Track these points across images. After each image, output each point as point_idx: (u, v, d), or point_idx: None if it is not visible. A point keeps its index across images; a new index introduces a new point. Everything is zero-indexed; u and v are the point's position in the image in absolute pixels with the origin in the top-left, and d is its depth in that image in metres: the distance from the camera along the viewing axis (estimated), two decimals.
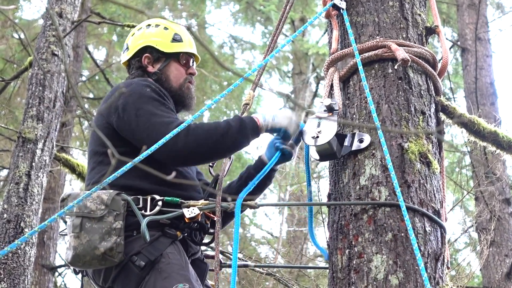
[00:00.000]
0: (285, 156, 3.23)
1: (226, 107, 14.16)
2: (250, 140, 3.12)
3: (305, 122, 3.15)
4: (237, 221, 2.92)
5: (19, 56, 10.80)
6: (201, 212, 3.01)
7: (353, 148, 2.98)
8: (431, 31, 3.35)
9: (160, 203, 3.01)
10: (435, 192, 2.93)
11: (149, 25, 3.45)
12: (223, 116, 13.89)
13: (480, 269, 9.07)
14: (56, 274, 10.62)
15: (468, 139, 5.25)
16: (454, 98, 11.94)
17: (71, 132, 11.34)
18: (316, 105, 3.15)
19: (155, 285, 2.86)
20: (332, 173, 3.10)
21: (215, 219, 2.98)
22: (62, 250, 11.79)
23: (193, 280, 2.90)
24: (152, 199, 3.02)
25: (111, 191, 2.95)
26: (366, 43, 3.17)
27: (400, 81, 3.10)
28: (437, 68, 3.27)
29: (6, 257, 5.56)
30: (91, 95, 12.50)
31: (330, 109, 3.04)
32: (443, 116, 3.52)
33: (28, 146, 6.06)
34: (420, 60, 3.16)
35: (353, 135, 3.01)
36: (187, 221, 3.00)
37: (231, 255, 2.97)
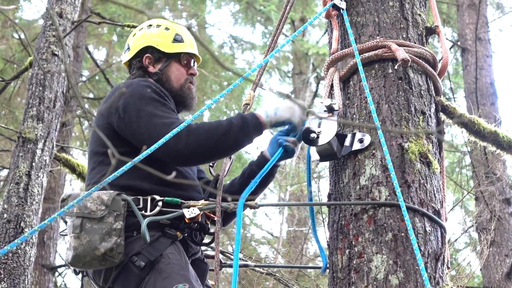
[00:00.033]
0: (288, 153, 3.22)
1: (226, 107, 14.16)
2: (253, 138, 3.11)
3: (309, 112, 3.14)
4: (239, 221, 2.91)
5: (19, 56, 10.80)
6: (201, 212, 3.01)
7: (353, 148, 2.98)
8: (431, 31, 3.35)
9: (160, 203, 3.01)
10: (435, 192, 2.93)
11: (150, 25, 3.45)
12: (223, 116, 13.88)
13: (480, 269, 9.08)
14: (56, 274, 10.62)
15: (468, 139, 5.25)
16: (454, 98, 11.94)
17: (71, 132, 11.34)
18: (316, 105, 3.14)
19: (155, 285, 2.86)
20: (332, 173, 3.10)
21: (215, 219, 2.98)
22: (62, 250, 11.79)
23: (193, 280, 2.90)
24: (152, 200, 3.02)
25: (111, 191, 2.95)
26: (366, 43, 3.17)
27: (400, 81, 3.10)
28: (437, 68, 3.27)
29: (6, 257, 5.57)
30: (91, 95, 12.50)
31: (330, 109, 3.04)
32: (443, 116, 3.52)
33: (28, 146, 6.06)
34: (420, 60, 3.16)
35: (353, 135, 3.01)
36: (187, 221, 3.00)
37: (231, 255, 2.97)
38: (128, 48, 3.45)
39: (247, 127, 3.05)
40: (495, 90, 10.34)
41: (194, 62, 3.47)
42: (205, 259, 3.27)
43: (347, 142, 3.00)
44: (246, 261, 7.20)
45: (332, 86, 3.19)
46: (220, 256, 3.07)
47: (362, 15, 3.29)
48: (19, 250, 5.66)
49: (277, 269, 7.93)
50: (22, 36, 10.75)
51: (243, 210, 3.06)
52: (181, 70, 3.40)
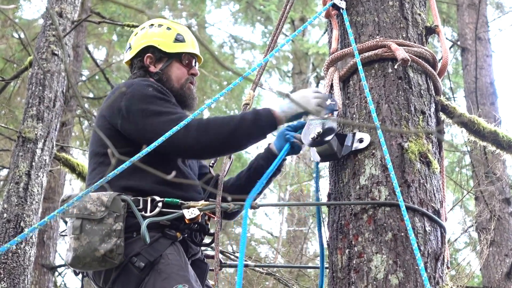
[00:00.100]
0: (294, 149, 3.22)
1: (226, 107, 14.16)
2: (266, 133, 3.08)
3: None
4: (244, 221, 2.88)
5: (19, 55, 10.80)
6: (201, 213, 3.00)
7: (353, 148, 2.98)
8: (431, 30, 3.35)
9: (160, 204, 3.00)
10: (435, 191, 2.93)
11: (152, 24, 3.44)
12: None
13: (480, 269, 9.08)
14: (56, 273, 10.62)
15: (468, 139, 5.26)
16: (454, 97, 11.95)
17: (71, 132, 11.34)
18: None
19: (154, 285, 2.85)
20: (332, 173, 3.10)
21: (215, 219, 2.97)
22: (62, 250, 11.79)
23: (192, 280, 2.89)
24: (152, 200, 3.01)
25: (111, 192, 2.94)
26: (366, 43, 3.17)
27: (400, 81, 3.10)
28: (437, 68, 3.27)
29: (6, 257, 5.57)
30: (91, 95, 12.50)
31: (330, 109, 3.04)
32: (443, 116, 3.52)
33: (28, 145, 6.07)
34: (420, 60, 3.16)
35: (353, 135, 3.01)
36: (187, 222, 3.00)
37: (231, 254, 2.97)
38: (130, 48, 3.45)
39: (260, 122, 3.02)
40: (495, 89, 10.35)
41: (195, 62, 3.46)
42: (205, 259, 3.27)
43: (347, 142, 3.00)
44: (246, 261, 7.20)
45: (332, 85, 3.18)
46: (220, 256, 3.06)
47: (362, 15, 3.29)
48: (19, 250, 5.66)
49: (277, 269, 7.94)
50: (22, 35, 10.75)
51: (241, 212, 3.06)
52: (182, 70, 3.39)
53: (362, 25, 3.27)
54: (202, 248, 3.26)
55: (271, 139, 3.39)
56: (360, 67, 3.05)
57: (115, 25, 10.85)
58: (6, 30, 11.41)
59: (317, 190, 3.18)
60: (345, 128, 3.11)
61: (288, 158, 5.04)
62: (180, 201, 3.02)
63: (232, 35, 15.89)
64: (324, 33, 15.63)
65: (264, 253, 13.05)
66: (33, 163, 5.99)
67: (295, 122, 3.22)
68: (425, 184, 2.90)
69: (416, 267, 2.66)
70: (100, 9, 11.85)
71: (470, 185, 9.78)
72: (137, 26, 7.42)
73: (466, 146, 8.95)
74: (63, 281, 11.85)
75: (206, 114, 13.92)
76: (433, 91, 3.21)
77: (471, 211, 11.59)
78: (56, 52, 6.54)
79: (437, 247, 2.81)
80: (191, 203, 3.02)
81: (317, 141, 2.99)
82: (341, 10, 3.32)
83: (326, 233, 3.06)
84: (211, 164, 3.46)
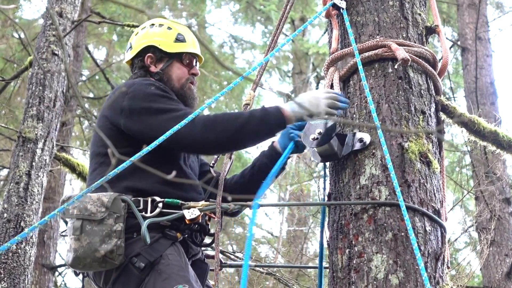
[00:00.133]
0: (298, 148, 3.21)
1: (226, 107, 14.16)
2: (275, 132, 3.07)
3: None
4: (251, 222, 2.87)
5: (19, 55, 10.80)
6: (202, 213, 3.00)
7: (354, 148, 2.98)
8: (431, 30, 3.35)
9: (160, 205, 2.99)
10: (435, 191, 2.93)
11: (152, 24, 3.43)
12: None
13: (480, 269, 9.08)
14: (56, 273, 10.62)
15: (468, 139, 5.26)
16: (454, 97, 11.94)
17: (71, 132, 11.34)
18: None
19: (154, 286, 2.85)
20: (332, 173, 3.10)
21: (215, 219, 2.97)
22: (62, 250, 11.80)
23: (192, 281, 2.89)
24: (153, 201, 3.00)
25: (111, 193, 2.93)
26: (366, 43, 3.17)
27: (400, 81, 3.10)
28: (437, 68, 3.27)
29: (6, 257, 5.57)
30: (91, 95, 12.50)
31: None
32: (443, 116, 3.52)
33: (28, 145, 6.07)
34: (420, 60, 3.16)
35: (354, 134, 3.00)
36: (187, 222, 2.99)
37: (232, 254, 2.96)
38: (131, 47, 3.44)
39: (269, 120, 3.00)
40: (495, 89, 10.35)
41: (196, 62, 3.45)
42: (206, 259, 3.27)
43: (347, 142, 3.00)
44: None
45: (332, 85, 3.18)
46: (220, 255, 3.06)
47: (362, 15, 3.29)
48: (19, 250, 5.66)
49: (277, 269, 7.93)
50: (22, 35, 10.75)
51: (243, 211, 3.06)
52: (183, 70, 3.38)
53: (362, 25, 3.27)
54: (203, 248, 3.26)
55: (275, 137, 3.38)
56: (360, 67, 3.05)
57: (115, 25, 10.85)
58: (6, 30, 11.42)
59: (324, 189, 3.16)
60: (345, 128, 3.11)
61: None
62: (180, 202, 3.01)
63: (232, 35, 15.90)
64: (324, 33, 15.63)
65: (264, 253, 13.05)
66: (33, 163, 5.99)
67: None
68: (425, 184, 2.90)
69: (416, 267, 2.66)
70: (100, 9, 11.85)
71: (470, 185, 9.78)
72: (137, 26, 7.42)
73: (466, 146, 8.95)
74: (63, 281, 11.86)
75: (206, 114, 13.92)
76: (433, 91, 3.21)
77: (471, 211, 11.59)
78: (56, 52, 6.54)
79: (437, 247, 2.81)
80: (192, 203, 3.01)
81: (317, 141, 2.99)
82: (341, 10, 3.32)
83: (326, 233, 3.06)
84: (211, 164, 3.45)
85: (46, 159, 6.13)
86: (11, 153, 6.57)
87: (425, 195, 2.88)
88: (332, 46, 3.32)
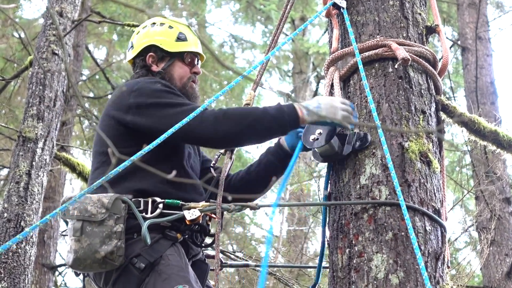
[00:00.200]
0: (306, 147, 3.21)
1: (226, 106, 14.17)
2: (287, 131, 3.05)
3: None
4: (271, 220, 2.86)
5: (19, 55, 10.80)
6: (202, 214, 2.99)
7: (354, 147, 2.97)
8: (431, 30, 3.35)
9: (161, 205, 2.99)
10: (435, 191, 2.93)
11: (154, 23, 3.42)
12: None
13: (481, 268, 9.08)
14: (57, 273, 10.62)
15: (469, 138, 5.26)
16: (454, 97, 11.94)
17: (72, 131, 11.34)
18: None
19: (154, 286, 2.84)
20: (332, 173, 3.10)
21: (216, 220, 2.97)
22: (63, 250, 11.80)
23: (192, 281, 2.88)
24: (153, 202, 3.00)
25: (112, 194, 2.92)
26: (367, 42, 3.17)
27: (400, 80, 3.10)
28: (437, 67, 3.27)
29: (6, 256, 5.57)
30: (91, 94, 12.50)
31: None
32: (443, 115, 3.51)
33: (28, 145, 6.06)
34: (421, 59, 3.16)
35: (354, 134, 3.00)
36: (188, 223, 2.99)
37: (232, 254, 2.96)
38: (132, 47, 3.43)
39: (283, 120, 2.97)
40: (495, 89, 10.35)
41: (198, 61, 3.44)
42: (206, 259, 3.26)
43: (347, 142, 2.99)
44: (246, 260, 7.20)
45: (332, 85, 3.18)
46: (221, 255, 3.05)
47: (362, 14, 3.29)
48: (19, 250, 5.66)
49: (277, 269, 7.94)
50: (22, 35, 10.75)
51: (243, 210, 3.05)
52: (185, 69, 3.37)
53: (363, 25, 3.27)
54: (203, 248, 3.26)
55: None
56: (360, 66, 3.05)
57: (116, 25, 10.84)
58: (6, 30, 11.41)
59: (326, 188, 3.16)
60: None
61: None
62: (180, 203, 3.01)
63: (233, 34, 15.90)
64: (325, 32, 15.63)
65: (264, 253, 13.03)
66: (34, 163, 5.99)
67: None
68: (426, 183, 2.90)
69: (417, 267, 2.66)
70: (100, 9, 11.85)
71: (471, 185, 9.78)
72: (137, 26, 7.42)
73: (467, 145, 8.95)
74: (63, 280, 11.86)
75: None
76: (433, 91, 3.21)
77: (472, 210, 11.59)
78: (56, 52, 6.54)
79: (437, 247, 2.81)
80: (192, 204, 3.00)
81: (317, 142, 2.99)
82: (341, 9, 3.32)
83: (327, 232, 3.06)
84: (212, 165, 3.44)
85: (46, 159, 6.13)
86: (11, 153, 6.57)
87: (425, 194, 2.88)
88: (333, 46, 3.32)
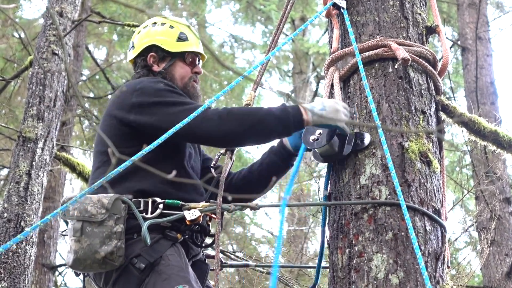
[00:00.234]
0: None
1: (226, 106, 14.15)
2: (291, 132, 3.02)
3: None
4: (281, 223, 2.84)
5: (19, 55, 10.80)
6: (202, 214, 2.99)
7: (354, 147, 2.97)
8: (431, 30, 3.35)
9: (161, 206, 2.98)
10: (435, 191, 2.93)
11: (155, 23, 3.41)
12: None
13: (481, 268, 9.08)
14: (57, 273, 10.62)
15: (469, 138, 5.26)
16: (454, 97, 11.95)
17: (72, 131, 11.34)
18: None
19: (155, 286, 2.83)
20: (332, 173, 3.10)
21: (216, 220, 2.97)
22: (62, 250, 11.80)
23: (192, 281, 2.88)
24: (153, 202, 2.99)
25: (112, 194, 2.92)
26: (367, 42, 3.17)
27: (400, 80, 3.10)
28: (437, 67, 3.27)
29: (6, 256, 5.57)
30: (91, 94, 12.50)
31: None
32: (443, 115, 3.52)
33: (28, 145, 6.07)
34: (421, 60, 3.16)
35: (354, 134, 3.00)
36: (188, 223, 2.99)
37: (232, 254, 2.95)
38: (133, 46, 3.42)
39: (287, 121, 2.96)
40: (495, 89, 10.35)
41: (199, 60, 3.44)
42: (206, 259, 3.26)
43: (347, 142, 2.99)
44: (246, 260, 7.21)
45: (332, 85, 3.18)
46: (221, 255, 3.05)
47: (362, 14, 3.29)
48: (19, 250, 5.66)
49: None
50: (22, 35, 10.75)
51: (243, 210, 3.05)
52: (186, 69, 3.37)
53: (363, 25, 3.27)
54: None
55: None
56: (361, 67, 3.05)
57: (116, 25, 10.85)
58: (6, 30, 11.41)
59: (326, 188, 3.15)
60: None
61: None
62: (181, 203, 3.00)
63: (233, 34, 15.91)
64: (325, 32, 15.63)
65: (264, 253, 13.05)
66: (34, 163, 5.99)
67: None
68: (426, 183, 2.90)
69: (417, 267, 2.66)
70: (101, 9, 11.85)
71: (471, 185, 9.78)
72: (137, 26, 7.42)
73: (467, 145, 8.95)
74: (63, 280, 11.86)
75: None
76: (433, 91, 3.21)
77: (472, 210, 11.59)
78: (56, 52, 6.54)
79: (437, 247, 2.81)
80: (192, 204, 3.00)
81: (317, 142, 2.99)
82: (341, 9, 3.32)
83: (326, 232, 3.05)
84: (212, 165, 3.44)
85: (46, 159, 6.13)
86: (11, 153, 6.57)
87: (425, 194, 2.88)
88: (333, 46, 3.32)
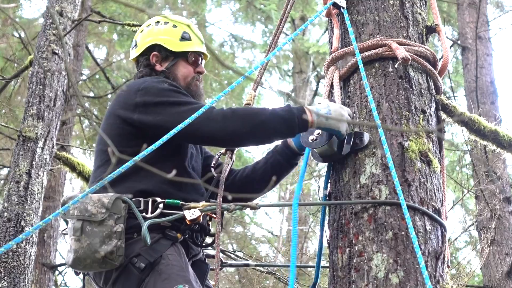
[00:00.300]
0: None
1: (226, 106, 14.17)
2: (295, 133, 3.01)
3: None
4: (294, 221, 2.83)
5: (19, 54, 10.80)
6: (202, 213, 2.99)
7: (354, 147, 2.97)
8: (431, 30, 3.35)
9: (161, 205, 2.98)
10: (435, 190, 2.93)
11: (158, 21, 3.40)
12: None
13: (481, 268, 9.08)
14: (57, 272, 10.62)
15: (469, 138, 5.27)
16: (454, 96, 11.95)
17: (72, 131, 11.34)
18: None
19: (154, 286, 2.83)
20: (332, 172, 3.10)
21: (216, 220, 2.96)
22: (63, 249, 11.80)
23: (192, 281, 2.88)
24: (153, 202, 2.99)
25: (112, 194, 2.92)
26: (367, 42, 3.17)
27: (400, 80, 3.10)
28: (437, 67, 3.27)
29: (6, 256, 5.57)
30: (91, 94, 12.50)
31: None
32: (443, 115, 3.52)
33: (28, 144, 6.07)
34: (421, 59, 3.16)
35: (354, 134, 3.00)
36: (188, 223, 2.98)
37: (232, 253, 2.95)
38: (136, 45, 3.41)
39: (292, 122, 2.95)
40: (495, 88, 10.35)
41: (201, 60, 3.43)
42: (206, 259, 3.26)
43: (346, 141, 2.99)
44: (246, 260, 7.21)
45: (332, 85, 3.18)
46: (221, 255, 3.05)
47: (362, 14, 3.29)
48: (19, 249, 5.66)
49: (277, 268, 7.94)
50: (23, 34, 10.75)
51: (243, 209, 3.05)
52: (188, 68, 3.36)
53: (363, 24, 3.27)
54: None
55: None
56: (361, 66, 3.05)
57: (116, 24, 10.84)
58: (6, 29, 11.41)
59: (326, 188, 3.15)
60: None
61: None
62: (181, 202, 3.00)
63: (233, 34, 15.91)
64: (325, 32, 15.64)
65: (264, 252, 13.05)
66: (34, 162, 5.99)
67: None
68: (426, 183, 2.90)
69: (417, 266, 2.67)
70: (101, 8, 11.85)
71: (471, 184, 9.78)
72: (137, 25, 7.43)
73: (467, 145, 8.95)
74: (63, 280, 11.86)
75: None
76: (433, 90, 3.21)
77: (472, 210, 11.59)
78: (56, 51, 6.54)
79: (437, 246, 2.81)
80: (192, 204, 2.99)
81: (317, 142, 2.99)
82: (341, 9, 3.32)
83: (326, 232, 3.05)
84: (212, 165, 3.43)
85: (46, 158, 6.13)
86: (11, 152, 6.57)
87: (425, 194, 2.88)
88: (333, 45, 3.32)
